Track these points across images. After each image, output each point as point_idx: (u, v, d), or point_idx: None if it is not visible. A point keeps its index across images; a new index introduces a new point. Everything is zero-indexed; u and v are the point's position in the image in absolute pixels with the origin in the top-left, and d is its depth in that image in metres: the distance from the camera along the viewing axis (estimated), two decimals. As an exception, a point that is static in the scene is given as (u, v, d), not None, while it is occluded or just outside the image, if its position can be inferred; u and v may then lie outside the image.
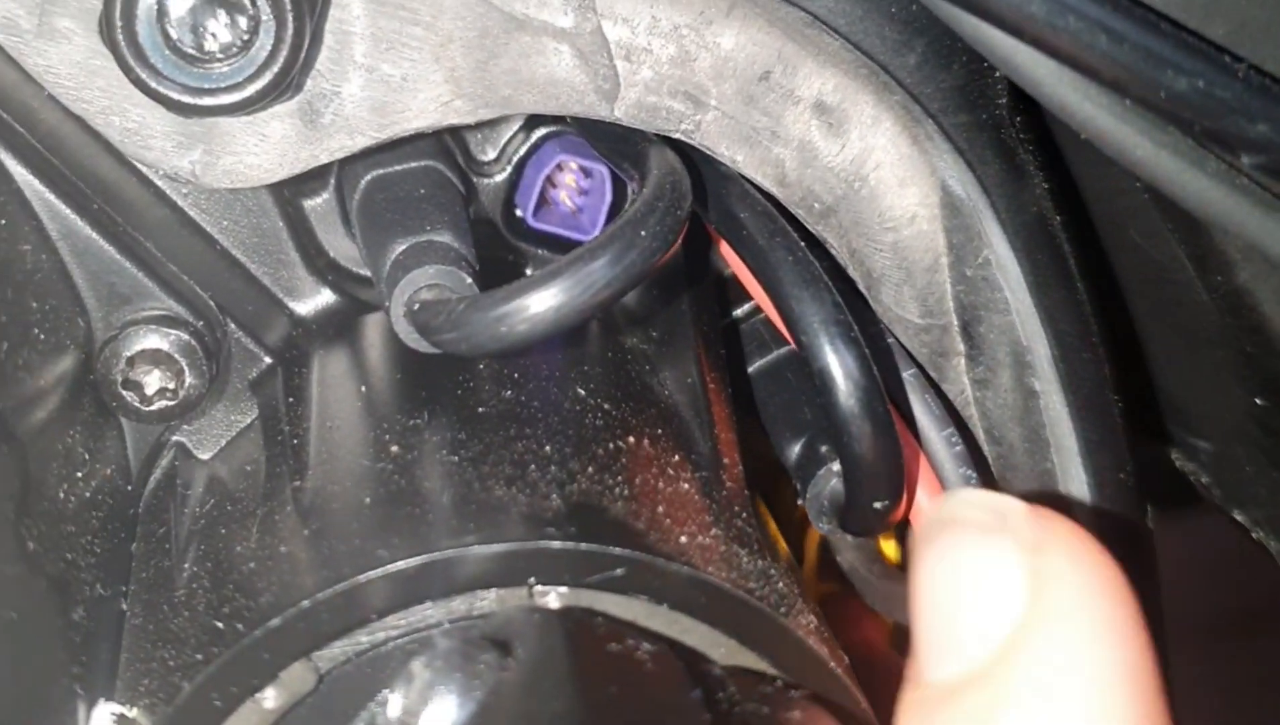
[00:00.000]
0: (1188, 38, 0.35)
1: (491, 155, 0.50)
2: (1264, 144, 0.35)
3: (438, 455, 0.37)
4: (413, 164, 0.46)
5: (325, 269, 0.48)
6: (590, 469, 0.37)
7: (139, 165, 0.42)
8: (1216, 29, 0.36)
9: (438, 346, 0.38)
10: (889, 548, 0.58)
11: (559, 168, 0.50)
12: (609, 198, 0.50)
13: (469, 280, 0.40)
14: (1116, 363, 0.47)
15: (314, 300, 0.47)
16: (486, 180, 0.50)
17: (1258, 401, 0.44)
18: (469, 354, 0.40)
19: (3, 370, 0.35)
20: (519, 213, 0.50)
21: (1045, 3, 0.34)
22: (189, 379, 0.41)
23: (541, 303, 0.36)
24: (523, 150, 0.50)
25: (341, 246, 0.48)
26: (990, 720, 0.31)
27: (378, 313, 0.47)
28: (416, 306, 0.39)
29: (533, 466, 0.36)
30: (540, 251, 0.51)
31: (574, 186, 0.51)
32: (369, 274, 0.46)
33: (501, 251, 0.50)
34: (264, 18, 0.38)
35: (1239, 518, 0.51)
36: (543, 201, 0.50)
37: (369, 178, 0.45)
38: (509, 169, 0.50)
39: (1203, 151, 0.37)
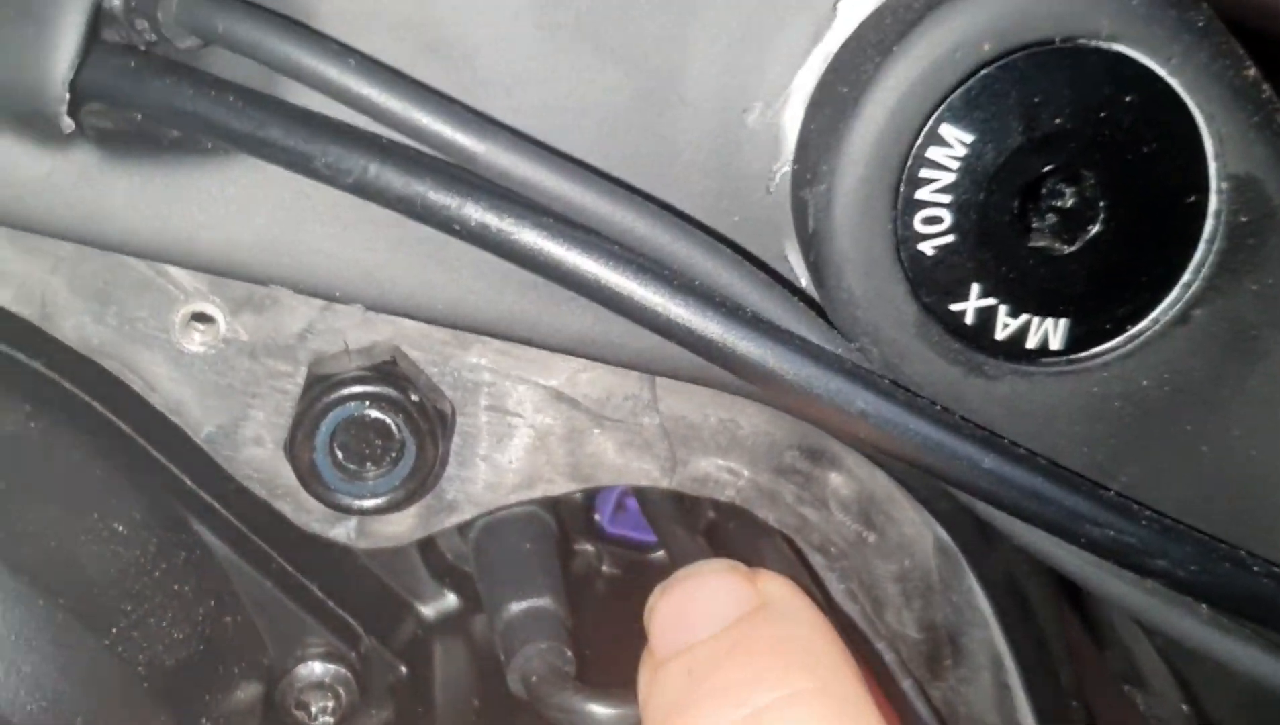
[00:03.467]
0: (1102, 494, 0.46)
1: (575, 479, 0.62)
2: (1163, 572, 0.46)
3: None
4: (518, 509, 0.57)
5: (443, 572, 0.60)
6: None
7: (304, 528, 0.55)
8: (1130, 473, 0.47)
9: (540, 712, 0.50)
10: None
11: (630, 483, 0.62)
12: (670, 511, 0.62)
13: (568, 652, 0.52)
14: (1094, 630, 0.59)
15: (435, 603, 0.59)
16: (572, 494, 0.62)
17: (1184, 708, 0.55)
18: None
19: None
20: (597, 518, 0.62)
21: (989, 476, 0.45)
22: (344, 699, 0.54)
23: (620, 720, 0.48)
24: (600, 472, 0.62)
25: (458, 549, 0.61)
26: (713, 673, 0.37)
27: (481, 616, 0.59)
28: (533, 678, 0.50)
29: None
30: (613, 548, 0.63)
31: (642, 494, 0.63)
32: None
33: (581, 547, 0.63)
34: (407, 442, 0.50)
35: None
36: (618, 507, 0.62)
37: (482, 523, 0.57)
38: (589, 487, 0.62)
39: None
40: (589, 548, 0.64)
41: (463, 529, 0.60)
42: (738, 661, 0.38)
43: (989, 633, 0.56)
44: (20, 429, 0.45)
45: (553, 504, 0.61)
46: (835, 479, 0.54)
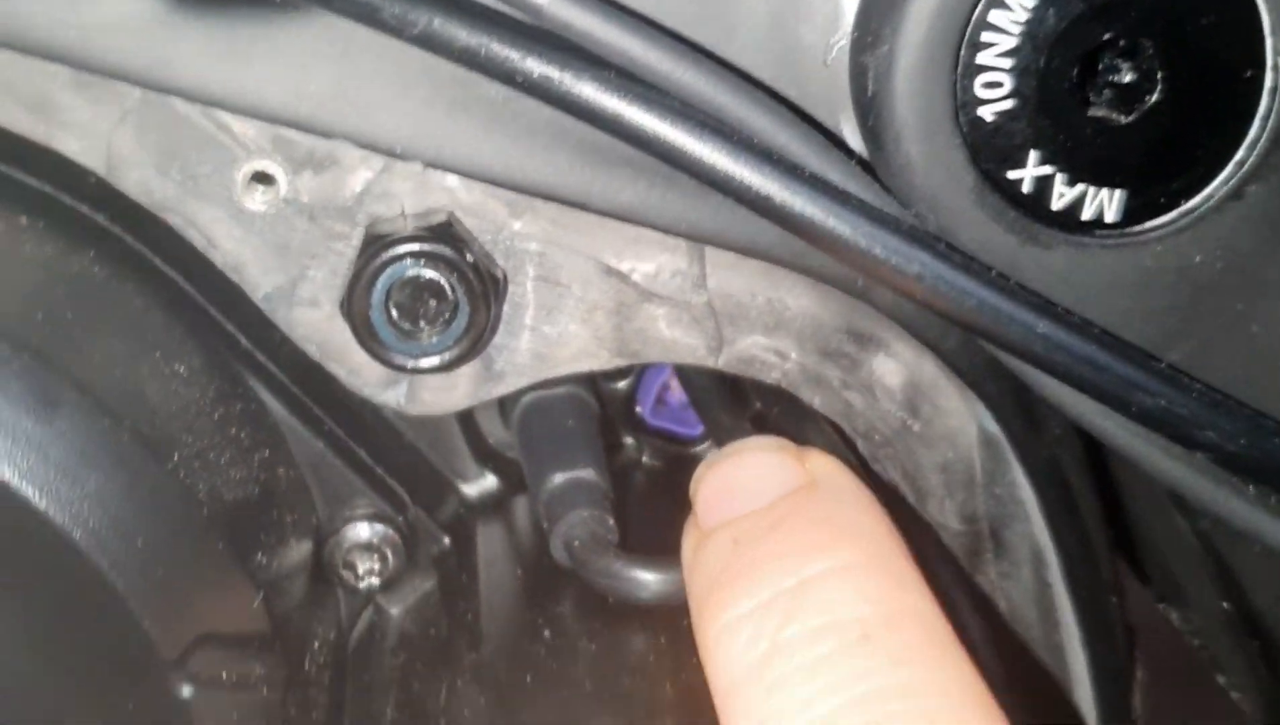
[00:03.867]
0: (1154, 364, 0.47)
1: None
2: (1213, 445, 0.47)
3: (579, 643, 0.50)
4: (560, 389, 0.58)
5: (486, 455, 0.61)
6: (694, 660, 0.49)
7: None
8: (1181, 349, 0.48)
9: (583, 578, 0.51)
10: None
11: (673, 374, 0.63)
12: (713, 403, 0.62)
13: (611, 520, 0.53)
14: (1126, 542, 0.59)
15: (478, 483, 0.60)
16: (614, 385, 0.63)
17: (1224, 605, 0.56)
18: (602, 592, 0.52)
19: (271, 577, 0.48)
20: (639, 410, 0.63)
21: (1043, 341, 0.45)
22: (392, 562, 0.54)
23: (663, 585, 0.48)
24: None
25: (500, 435, 0.61)
26: (760, 542, 0.37)
27: (523, 496, 0.59)
28: (575, 543, 0.51)
29: (651, 658, 0.49)
30: (654, 440, 0.64)
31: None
32: (519, 459, 0.59)
33: (622, 438, 0.63)
34: (461, 303, 0.51)
35: (1219, 680, 0.63)
36: (658, 401, 0.63)
37: (526, 400, 0.58)
38: (632, 376, 0.63)
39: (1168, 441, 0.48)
40: (629, 441, 0.64)
41: (505, 411, 0.60)
42: (785, 533, 0.38)
43: (1031, 527, 0.56)
44: (85, 271, 0.46)
45: (595, 390, 0.61)
46: (882, 364, 0.55)
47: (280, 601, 0.48)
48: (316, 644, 0.52)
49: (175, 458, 0.43)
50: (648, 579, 0.49)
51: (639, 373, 0.63)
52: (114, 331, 0.45)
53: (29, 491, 0.40)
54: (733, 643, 0.36)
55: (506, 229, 0.52)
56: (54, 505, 0.40)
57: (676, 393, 0.63)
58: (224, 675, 0.43)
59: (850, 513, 0.39)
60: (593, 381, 0.61)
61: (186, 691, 0.42)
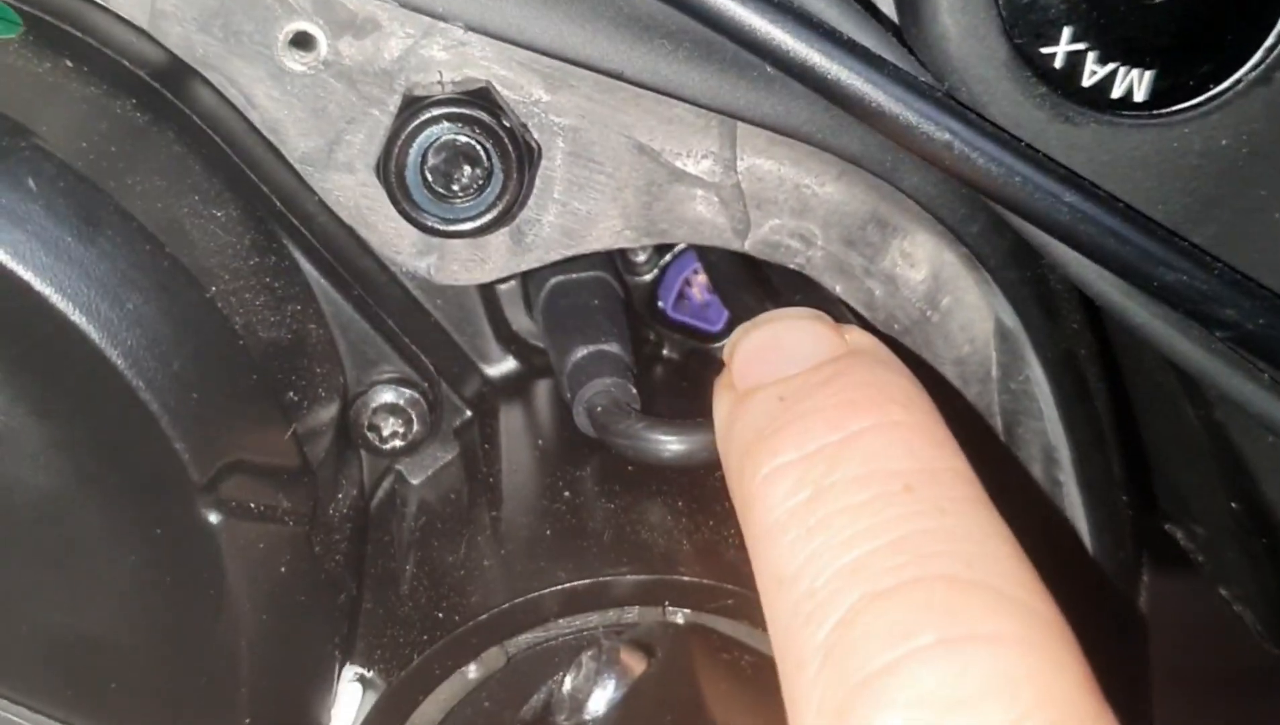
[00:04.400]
0: (1177, 241, 0.47)
1: (643, 259, 0.63)
2: (1232, 324, 0.47)
3: (599, 502, 0.51)
4: (586, 273, 0.59)
5: (509, 339, 0.61)
6: (711, 523, 0.50)
7: (387, 262, 0.56)
8: (1204, 233, 0.48)
9: (605, 443, 0.51)
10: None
11: (695, 271, 0.64)
12: (733, 299, 0.63)
13: (634, 390, 0.53)
14: (1131, 456, 0.60)
15: (500, 365, 0.60)
16: (637, 278, 0.64)
17: (1233, 505, 0.56)
18: (623, 455, 0.52)
19: (300, 417, 0.48)
20: (660, 305, 0.64)
21: (1070, 213, 0.46)
22: (416, 427, 0.55)
23: (685, 445, 0.49)
24: (668, 257, 0.63)
25: (522, 322, 0.62)
26: (807, 398, 0.37)
27: (546, 380, 0.60)
28: (598, 408, 0.52)
29: (669, 517, 0.50)
30: (674, 335, 0.64)
31: (705, 285, 0.64)
32: (541, 346, 0.60)
33: (644, 331, 0.64)
34: (495, 170, 0.51)
35: (1223, 592, 0.63)
36: (680, 297, 0.64)
37: (553, 282, 0.58)
38: (655, 271, 0.63)
39: (1187, 322, 0.49)
40: (650, 335, 0.65)
41: (530, 295, 0.61)
42: (833, 391, 0.38)
43: (1044, 423, 0.57)
44: (127, 114, 0.46)
45: (619, 277, 0.62)
46: (904, 254, 0.55)
47: (308, 447, 0.49)
48: (340, 494, 0.52)
49: (213, 289, 0.44)
50: (670, 439, 0.49)
51: (662, 268, 0.64)
52: (155, 170, 0.45)
53: (68, 307, 0.40)
54: (777, 487, 0.36)
55: (541, 101, 0.52)
56: (93, 323, 0.41)
57: (697, 290, 0.64)
58: (252, 504, 0.44)
59: (895, 377, 0.40)
60: (617, 272, 0.62)
61: (214, 517, 0.43)
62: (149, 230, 0.43)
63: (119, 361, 0.41)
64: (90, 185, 0.42)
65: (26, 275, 0.40)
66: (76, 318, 0.41)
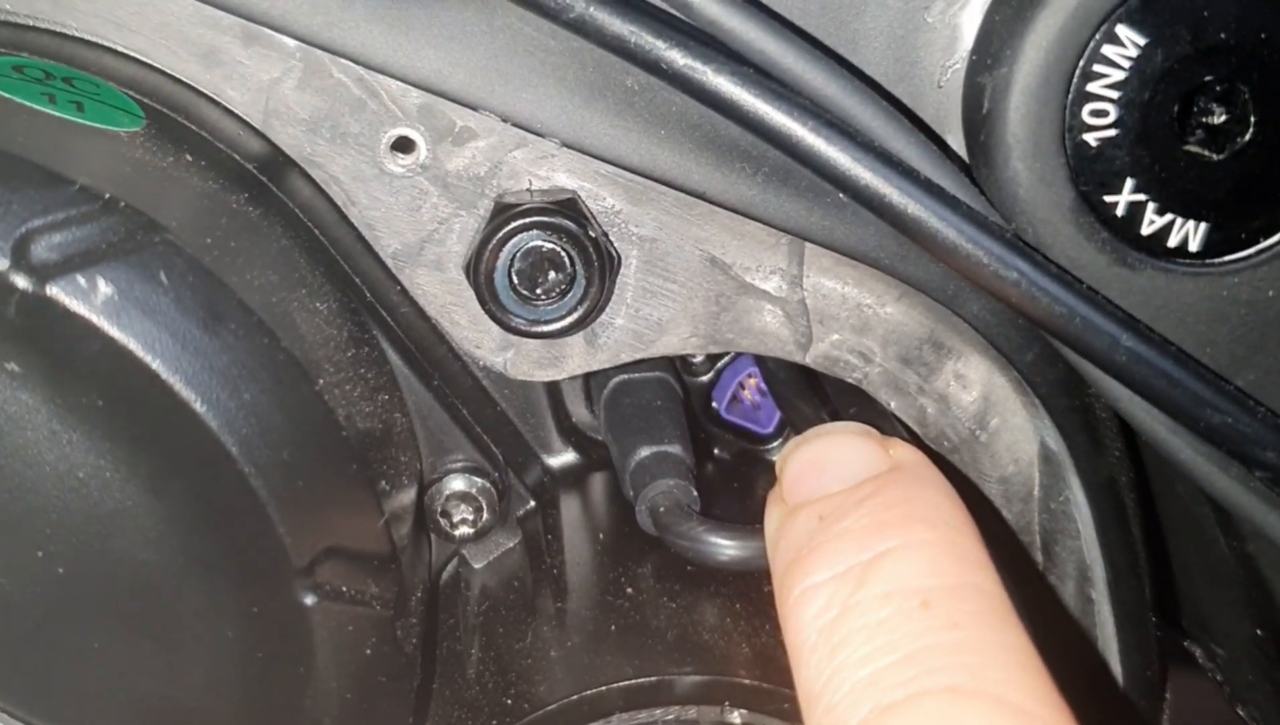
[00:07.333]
0: (1224, 386, 0.50)
1: (700, 360, 0.66)
2: (1272, 466, 0.50)
3: (660, 600, 0.53)
4: (649, 373, 0.61)
5: (569, 431, 0.64)
6: (767, 626, 0.52)
7: (464, 355, 0.59)
8: (1246, 377, 0.51)
9: (664, 542, 0.54)
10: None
11: (749, 375, 0.66)
12: (784, 404, 0.66)
13: (694, 492, 0.56)
14: (1159, 578, 0.62)
15: (561, 456, 0.63)
16: (694, 379, 0.66)
17: (1258, 632, 0.59)
18: (682, 554, 0.55)
19: (388, 502, 0.51)
20: (715, 405, 0.66)
21: (1126, 353, 0.49)
22: (485, 515, 0.57)
23: (741, 551, 0.51)
24: (724, 360, 0.66)
25: (582, 415, 0.65)
26: (842, 519, 0.39)
27: (603, 473, 0.63)
28: (661, 509, 0.54)
29: (728, 619, 0.52)
30: (726, 435, 0.67)
31: (757, 389, 0.67)
32: (599, 438, 0.63)
33: (697, 431, 0.66)
34: (579, 276, 0.54)
35: (1241, 713, 0.66)
36: (733, 399, 0.66)
37: (617, 380, 0.61)
38: (712, 373, 0.66)
39: (1227, 460, 0.52)
40: (701, 433, 0.68)
41: (592, 392, 0.64)
42: (866, 512, 0.41)
43: (1080, 543, 0.59)
44: (242, 209, 0.49)
45: (680, 378, 0.65)
46: (957, 375, 0.58)
47: (395, 532, 0.51)
48: (415, 579, 0.55)
49: (320, 382, 0.46)
50: (729, 544, 0.52)
51: (719, 371, 0.67)
52: (268, 264, 0.48)
53: (191, 396, 0.43)
54: (809, 607, 0.39)
55: (622, 212, 0.55)
56: (212, 412, 0.43)
57: (749, 393, 0.67)
58: (344, 588, 0.46)
59: (931, 495, 0.42)
60: (676, 373, 0.65)
61: (310, 599, 0.45)
62: (266, 324, 0.45)
63: (234, 448, 0.44)
64: (215, 280, 0.45)
65: (154, 364, 0.42)
66: (198, 406, 0.43)
